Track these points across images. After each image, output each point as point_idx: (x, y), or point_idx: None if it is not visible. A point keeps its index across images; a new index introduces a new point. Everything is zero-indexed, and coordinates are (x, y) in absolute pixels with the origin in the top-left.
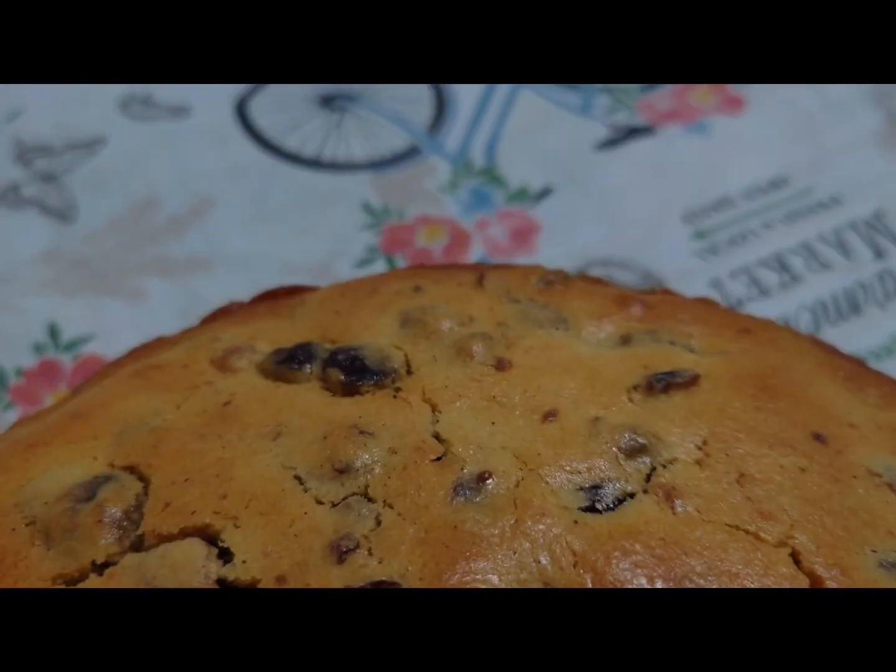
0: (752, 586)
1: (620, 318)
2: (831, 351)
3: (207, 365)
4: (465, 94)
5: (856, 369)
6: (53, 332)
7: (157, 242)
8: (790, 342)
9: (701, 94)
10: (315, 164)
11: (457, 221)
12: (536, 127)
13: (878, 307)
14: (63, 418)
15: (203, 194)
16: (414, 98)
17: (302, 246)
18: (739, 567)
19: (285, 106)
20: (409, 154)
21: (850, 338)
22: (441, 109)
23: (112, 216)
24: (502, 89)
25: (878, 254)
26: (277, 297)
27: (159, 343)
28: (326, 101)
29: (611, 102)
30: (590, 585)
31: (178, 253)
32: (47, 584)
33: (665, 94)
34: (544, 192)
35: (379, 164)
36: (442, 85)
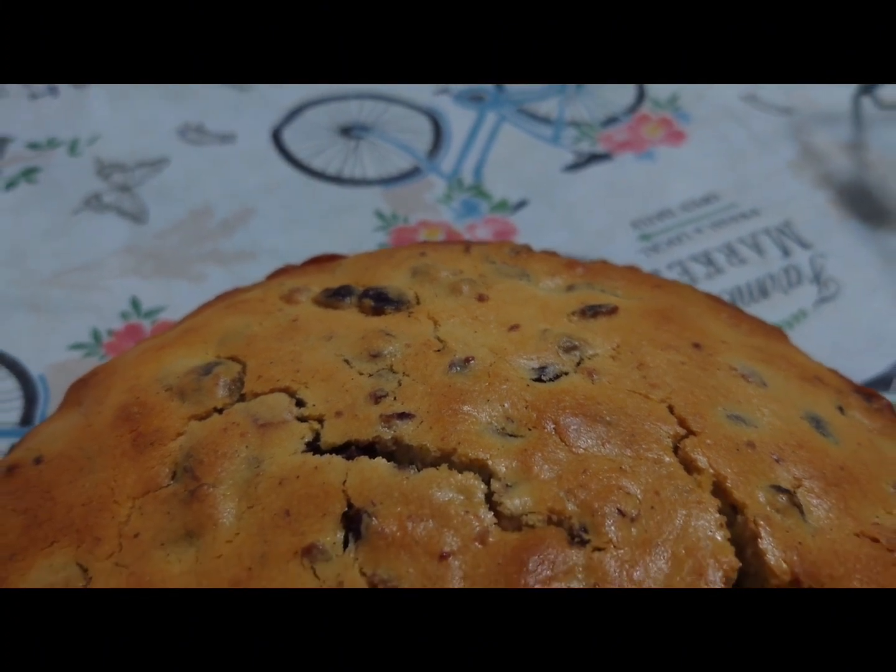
0: (639, 425)
1: (567, 275)
2: (720, 301)
3: (278, 299)
4: (458, 126)
5: (736, 312)
6: (135, 304)
7: (211, 240)
8: (690, 293)
9: (651, 128)
10: (336, 180)
11: (451, 225)
12: (515, 153)
13: (783, 293)
14: (180, 333)
15: (247, 204)
16: (416, 128)
17: (326, 244)
18: (632, 411)
19: (312, 134)
20: (412, 173)
21: (759, 315)
22: (438, 138)
23: (176, 219)
24: (488, 123)
25: (785, 253)
26: (321, 262)
27: (237, 290)
28: (345, 131)
29: (577, 134)
30: (535, 418)
31: (228, 247)
32: (185, 422)
33: (622, 128)
34: (521, 204)
35: (388, 181)
36: (439, 117)
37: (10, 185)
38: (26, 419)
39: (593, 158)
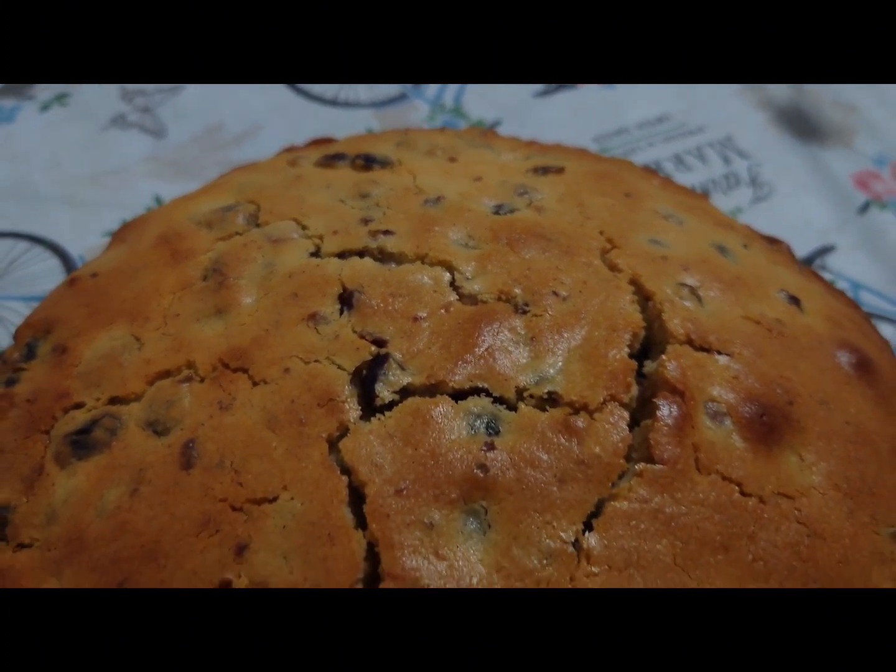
0: (574, 242)
1: (526, 150)
2: (654, 172)
3: (284, 164)
4: None
5: (666, 179)
6: (158, 200)
7: (224, 150)
8: (628, 164)
9: None
10: (333, 102)
11: None
12: (490, 86)
13: (723, 193)
14: (204, 188)
15: (255, 122)
16: None
17: None
18: (569, 233)
19: None
20: (399, 98)
21: None
22: None
23: (193, 134)
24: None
25: (726, 161)
26: (319, 143)
27: (253, 163)
28: None
29: None
30: (491, 237)
31: (239, 156)
32: (212, 242)
33: None
34: (495, 124)
35: (378, 104)
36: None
37: (45, 107)
38: None
39: (561, 87)
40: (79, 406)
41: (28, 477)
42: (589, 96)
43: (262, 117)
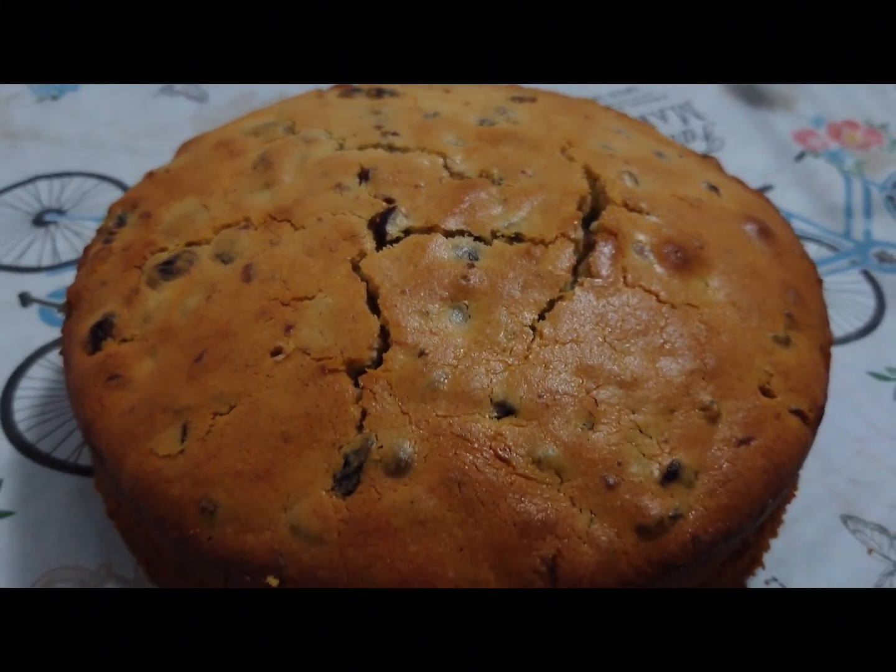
0: (540, 141)
1: (508, 90)
2: (613, 109)
3: (314, 97)
4: None
5: (623, 115)
6: None
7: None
8: (593, 101)
9: None
10: None
11: None
12: None
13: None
14: (249, 113)
15: (281, 91)
16: None
17: None
18: (537, 136)
19: None
20: None
21: None
22: None
23: (230, 99)
24: None
25: (684, 121)
26: (341, 86)
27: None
28: None
29: None
30: (475, 138)
31: None
32: (260, 145)
33: None
34: None
35: None
36: None
37: None
38: None
39: None
40: (163, 250)
41: (127, 296)
42: None
43: (288, 88)
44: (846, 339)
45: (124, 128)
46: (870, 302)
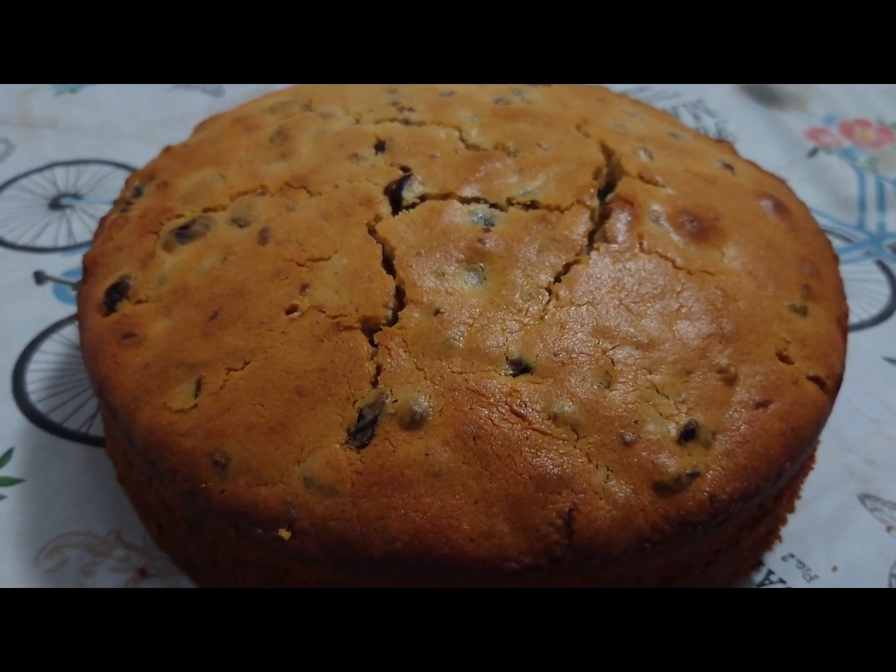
0: (555, 118)
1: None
2: (628, 96)
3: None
4: None
5: (638, 102)
6: None
7: None
8: (606, 88)
9: None
10: None
11: None
12: None
13: None
14: (267, 93)
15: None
16: None
17: None
18: (552, 114)
19: None
20: None
21: None
22: None
23: (244, 94)
24: None
25: (697, 118)
26: None
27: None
28: None
29: None
30: (491, 114)
31: None
32: (276, 121)
33: None
34: None
35: None
36: None
37: None
38: None
39: None
40: (179, 216)
41: (143, 259)
42: None
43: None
44: (861, 325)
45: (140, 119)
46: (885, 290)
